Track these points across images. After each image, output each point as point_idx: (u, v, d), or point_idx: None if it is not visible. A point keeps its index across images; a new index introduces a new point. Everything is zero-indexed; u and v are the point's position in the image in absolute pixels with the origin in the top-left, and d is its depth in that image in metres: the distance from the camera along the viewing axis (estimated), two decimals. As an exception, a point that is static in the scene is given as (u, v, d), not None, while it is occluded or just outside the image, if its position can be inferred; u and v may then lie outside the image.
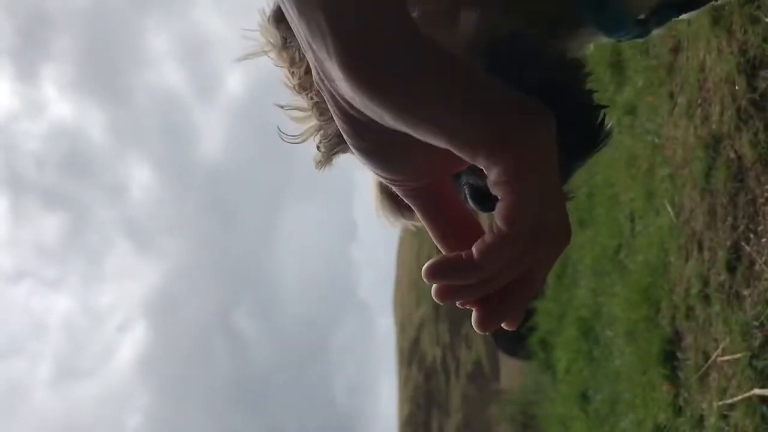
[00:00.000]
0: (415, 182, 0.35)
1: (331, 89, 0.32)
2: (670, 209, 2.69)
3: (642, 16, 0.48)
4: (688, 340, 2.46)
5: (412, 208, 0.37)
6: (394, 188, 0.36)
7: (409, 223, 0.55)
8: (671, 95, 2.79)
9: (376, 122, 0.32)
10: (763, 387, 1.85)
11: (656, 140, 2.97)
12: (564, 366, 4.60)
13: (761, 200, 1.99)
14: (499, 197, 0.31)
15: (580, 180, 4.83)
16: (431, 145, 0.32)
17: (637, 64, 3.29)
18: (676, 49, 2.76)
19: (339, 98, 0.32)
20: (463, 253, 0.33)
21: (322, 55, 0.30)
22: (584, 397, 3.98)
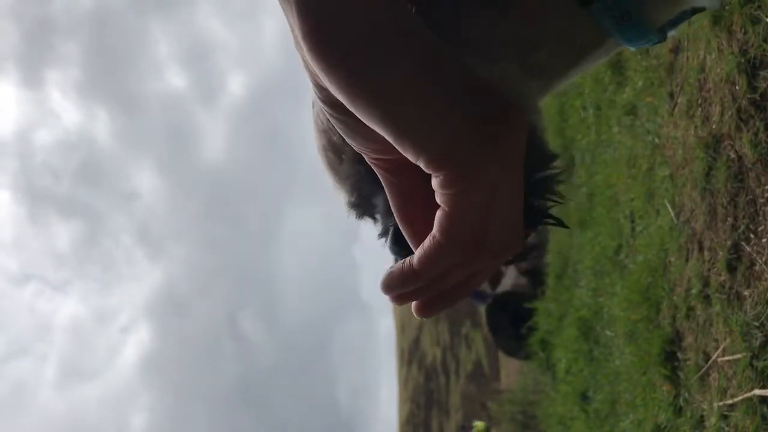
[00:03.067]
0: (384, 155, 0.36)
1: (303, 57, 0.32)
2: (670, 209, 2.69)
3: None
4: (689, 340, 2.46)
5: (380, 179, 0.38)
6: (364, 156, 0.37)
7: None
8: (671, 95, 2.79)
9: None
10: (763, 387, 1.85)
11: (656, 140, 2.97)
12: (564, 366, 4.60)
13: (761, 200, 1.99)
14: (440, 201, 0.31)
15: (580, 180, 4.83)
16: None
17: (637, 64, 3.29)
18: (676, 49, 2.76)
19: (310, 66, 0.32)
20: (405, 262, 0.34)
21: (291, 20, 0.30)
22: (584, 397, 3.98)
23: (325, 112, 0.34)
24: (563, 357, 4.64)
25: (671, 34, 0.48)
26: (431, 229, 0.33)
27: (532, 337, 5.82)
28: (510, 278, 7.01)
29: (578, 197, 4.95)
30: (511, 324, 6.82)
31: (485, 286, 8.87)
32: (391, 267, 0.36)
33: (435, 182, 0.31)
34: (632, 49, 0.46)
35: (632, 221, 3.38)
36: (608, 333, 3.62)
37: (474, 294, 9.19)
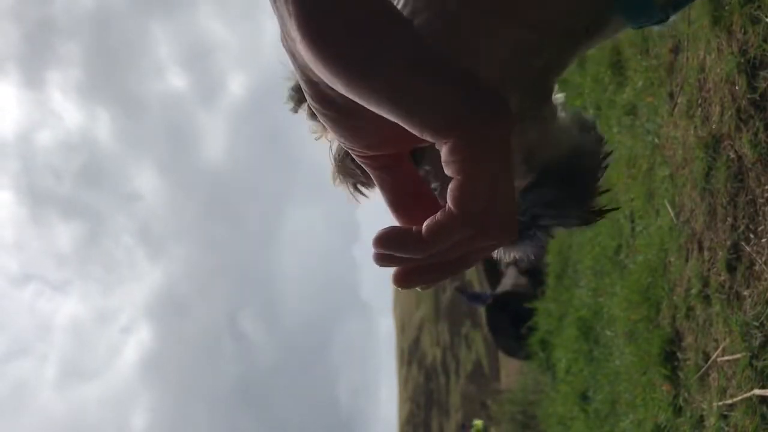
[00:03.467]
0: (373, 152, 0.36)
1: (292, 50, 0.32)
2: (670, 209, 2.69)
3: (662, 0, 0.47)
4: (688, 340, 2.46)
5: (371, 176, 0.37)
6: (353, 155, 0.37)
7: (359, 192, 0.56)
8: (671, 95, 2.79)
9: (326, 89, 0.32)
10: (763, 387, 1.85)
11: (656, 140, 2.97)
12: (564, 366, 4.60)
13: (761, 200, 1.99)
14: (451, 174, 0.32)
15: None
16: (389, 128, 0.32)
17: (637, 64, 3.28)
18: (676, 49, 2.76)
19: (300, 59, 0.32)
20: (414, 228, 0.33)
21: (283, 11, 0.30)
22: (584, 397, 3.98)
23: (313, 109, 0.35)
24: (563, 357, 4.64)
25: (672, 18, 0.48)
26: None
27: (532, 337, 5.82)
28: (510, 278, 7.01)
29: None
30: (511, 324, 6.82)
31: (485, 287, 8.87)
32: (395, 226, 0.35)
33: (444, 152, 0.31)
34: (633, 27, 0.46)
35: (632, 221, 3.38)
36: (608, 333, 3.62)
37: (473, 297, 9.19)
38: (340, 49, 0.29)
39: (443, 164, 0.32)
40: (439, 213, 0.33)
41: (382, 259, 0.34)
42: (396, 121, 0.31)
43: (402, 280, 0.35)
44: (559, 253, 5.43)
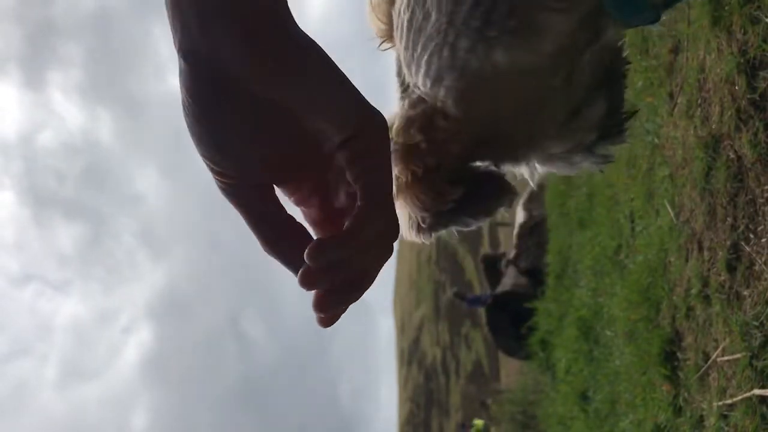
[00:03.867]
0: (240, 176, 0.35)
1: (202, 52, 0.33)
2: (670, 209, 2.70)
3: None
4: (688, 340, 2.46)
5: (232, 205, 0.37)
6: (214, 178, 0.36)
7: None
8: (671, 95, 2.79)
9: (233, 98, 0.33)
10: (763, 387, 1.85)
11: (656, 140, 2.97)
12: (564, 366, 4.60)
13: (761, 200, 1.99)
14: (357, 175, 0.34)
15: (580, 180, 4.83)
16: (275, 147, 0.34)
17: (636, 64, 3.29)
18: (675, 50, 2.76)
19: (207, 54, 0.33)
20: (334, 234, 0.35)
21: (207, 8, 0.32)
22: (584, 397, 3.98)
23: (200, 119, 0.34)
24: (563, 357, 4.65)
25: (664, 18, 0.51)
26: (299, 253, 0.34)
27: (532, 337, 5.82)
28: (510, 278, 7.01)
29: (578, 197, 4.94)
30: (511, 324, 6.82)
31: (485, 287, 8.88)
32: (319, 238, 0.36)
33: (356, 149, 0.33)
34: (627, 24, 0.49)
35: (632, 221, 3.38)
36: (608, 333, 3.62)
37: (473, 300, 9.21)
38: (274, 34, 0.32)
39: (351, 165, 0.34)
40: (354, 213, 0.34)
41: (316, 278, 0.34)
42: (322, 110, 0.33)
43: (321, 304, 0.35)
44: (559, 253, 5.44)
